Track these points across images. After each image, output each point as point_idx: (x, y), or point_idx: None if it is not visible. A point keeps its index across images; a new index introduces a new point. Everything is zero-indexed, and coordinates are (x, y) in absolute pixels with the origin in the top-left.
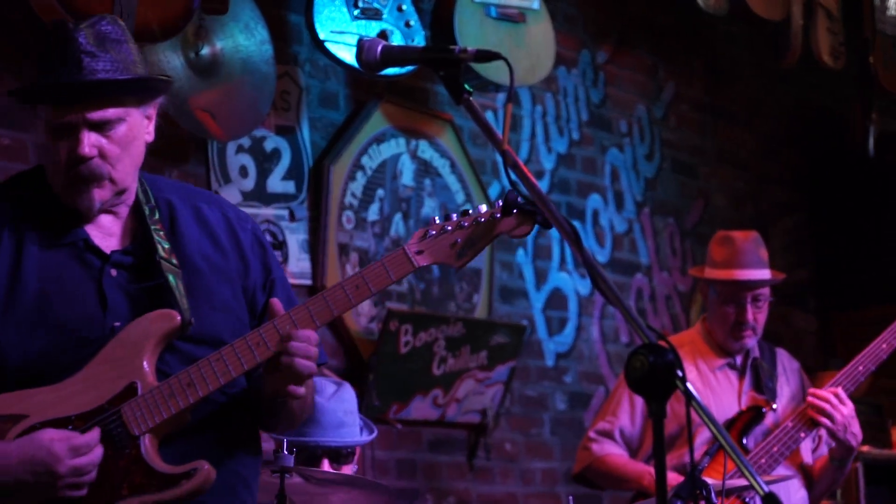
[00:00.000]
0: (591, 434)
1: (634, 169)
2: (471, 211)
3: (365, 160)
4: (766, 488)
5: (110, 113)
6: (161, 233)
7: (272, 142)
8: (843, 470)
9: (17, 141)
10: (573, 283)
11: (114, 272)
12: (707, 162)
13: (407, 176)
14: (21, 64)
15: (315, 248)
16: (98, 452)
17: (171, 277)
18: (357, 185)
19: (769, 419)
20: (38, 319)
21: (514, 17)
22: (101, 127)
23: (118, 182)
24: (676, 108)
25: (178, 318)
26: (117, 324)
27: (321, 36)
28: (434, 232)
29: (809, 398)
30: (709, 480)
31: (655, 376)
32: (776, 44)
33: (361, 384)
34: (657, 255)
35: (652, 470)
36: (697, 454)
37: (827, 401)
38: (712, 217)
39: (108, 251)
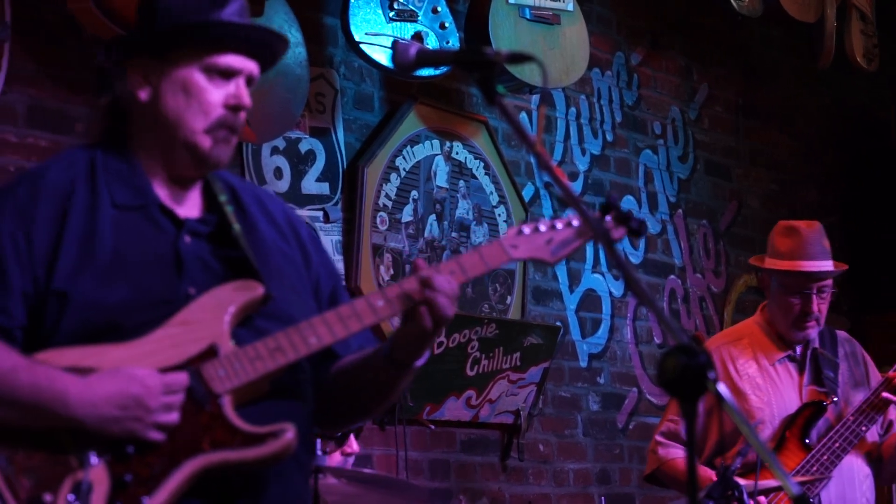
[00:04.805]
0: (658, 437)
1: (668, 170)
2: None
3: (399, 161)
4: (796, 489)
5: (258, 71)
6: (231, 210)
7: (307, 143)
8: None
9: (53, 143)
10: (606, 285)
11: (188, 239)
12: (741, 164)
13: (441, 177)
14: (58, 65)
15: (349, 249)
16: (181, 397)
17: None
18: (391, 187)
19: (831, 412)
20: (116, 274)
21: (549, 19)
22: (250, 83)
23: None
24: (710, 109)
25: (261, 289)
26: (192, 290)
27: (356, 38)
28: (528, 231)
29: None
30: (741, 482)
31: (688, 378)
32: (812, 45)
33: None
34: (691, 256)
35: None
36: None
37: None
38: (746, 219)
39: (181, 217)
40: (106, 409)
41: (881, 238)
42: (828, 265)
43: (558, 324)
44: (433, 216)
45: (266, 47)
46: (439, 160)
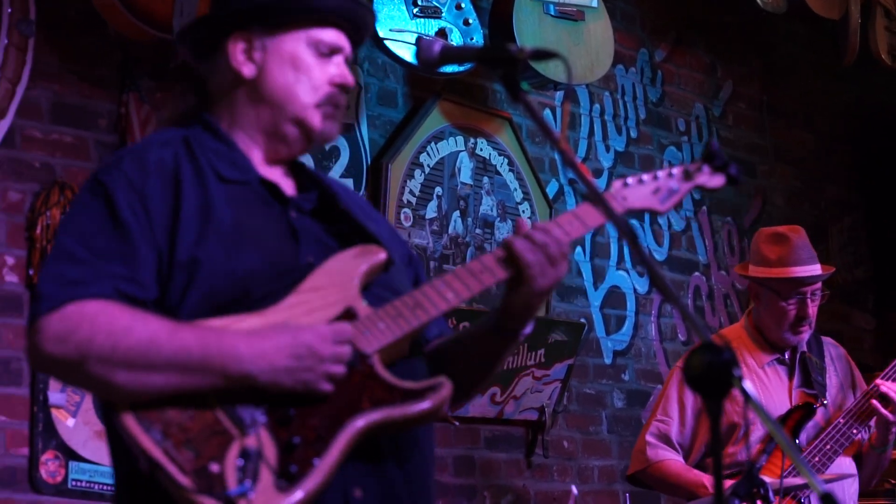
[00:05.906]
0: (648, 438)
1: None
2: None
3: (423, 158)
4: (823, 487)
5: (351, 51)
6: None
7: None
8: (885, 456)
9: (78, 138)
10: (631, 282)
11: (294, 214)
12: (765, 160)
13: (465, 174)
14: (82, 61)
15: None
16: (350, 349)
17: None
18: (415, 183)
19: (820, 414)
20: (241, 243)
21: (573, 15)
22: (347, 62)
23: None
24: (734, 106)
25: (384, 254)
26: (311, 259)
27: (380, 34)
28: (632, 181)
29: (882, 387)
30: (766, 479)
31: (713, 375)
32: (836, 42)
33: None
34: (715, 253)
35: (706, 480)
36: (751, 452)
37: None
38: (770, 216)
39: (287, 194)
40: (280, 360)
41: None
42: (818, 269)
43: (583, 321)
44: (457, 213)
45: (359, 26)
46: (463, 156)
